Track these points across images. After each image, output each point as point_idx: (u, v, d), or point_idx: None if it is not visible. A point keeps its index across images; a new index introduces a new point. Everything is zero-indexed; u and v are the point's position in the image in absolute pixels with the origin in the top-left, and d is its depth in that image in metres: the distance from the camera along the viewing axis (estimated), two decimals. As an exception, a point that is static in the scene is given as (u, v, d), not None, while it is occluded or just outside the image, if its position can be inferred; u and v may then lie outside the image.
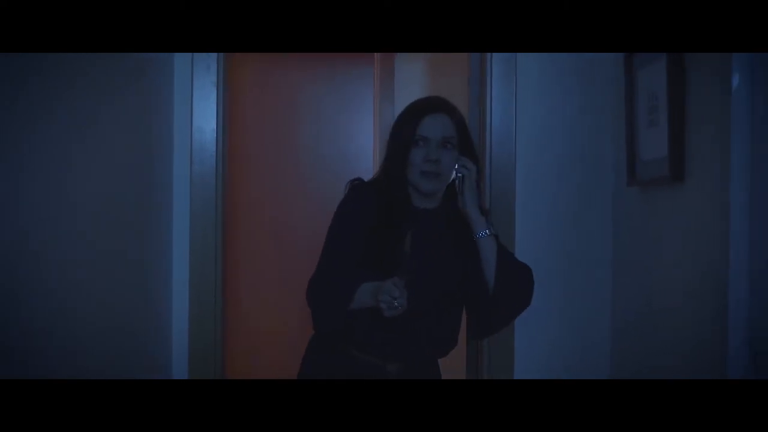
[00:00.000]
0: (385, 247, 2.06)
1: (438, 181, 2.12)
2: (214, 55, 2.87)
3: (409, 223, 2.10)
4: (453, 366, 2.63)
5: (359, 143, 4.05)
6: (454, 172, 2.12)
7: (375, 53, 4.10)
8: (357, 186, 2.17)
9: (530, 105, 2.90)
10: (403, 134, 2.13)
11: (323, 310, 2.10)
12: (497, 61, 2.89)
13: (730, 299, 2.04)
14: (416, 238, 2.08)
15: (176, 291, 2.91)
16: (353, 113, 4.05)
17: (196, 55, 2.86)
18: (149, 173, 2.66)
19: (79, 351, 2.00)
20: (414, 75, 3.83)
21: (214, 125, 2.86)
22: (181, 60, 2.87)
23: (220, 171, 2.89)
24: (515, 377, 2.92)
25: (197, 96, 2.86)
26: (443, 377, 2.29)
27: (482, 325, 2.18)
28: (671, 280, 2.40)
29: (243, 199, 3.84)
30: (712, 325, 2.12)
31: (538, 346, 2.93)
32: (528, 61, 2.89)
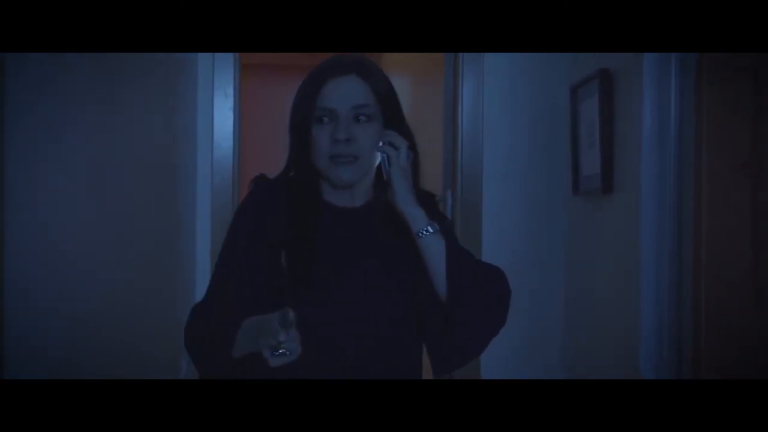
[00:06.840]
0: (288, 264, 1.46)
1: (356, 166, 1.54)
2: (230, 77, 3.34)
3: (321, 229, 1.55)
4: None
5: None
6: (378, 154, 1.57)
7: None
8: (256, 185, 1.63)
9: (496, 118, 3.42)
10: (300, 109, 1.56)
11: (201, 359, 1.55)
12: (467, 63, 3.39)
13: (642, 299, 2.58)
14: (331, 250, 1.55)
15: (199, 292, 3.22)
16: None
17: (216, 77, 3.32)
18: (176, 182, 2.99)
19: (106, 351, 1.95)
20: (401, 79, 4.30)
21: (231, 143, 3.36)
22: (203, 76, 3.31)
23: (236, 180, 3.38)
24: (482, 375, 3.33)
25: (217, 114, 3.34)
26: None
27: (441, 353, 1.56)
28: (599, 280, 2.95)
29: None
30: (631, 322, 2.68)
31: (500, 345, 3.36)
32: (494, 80, 3.40)
